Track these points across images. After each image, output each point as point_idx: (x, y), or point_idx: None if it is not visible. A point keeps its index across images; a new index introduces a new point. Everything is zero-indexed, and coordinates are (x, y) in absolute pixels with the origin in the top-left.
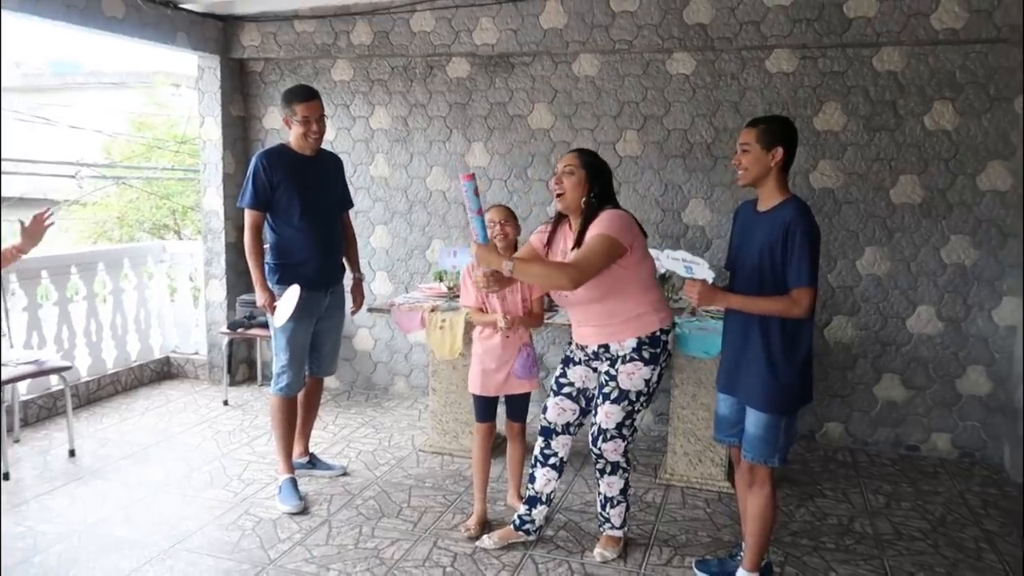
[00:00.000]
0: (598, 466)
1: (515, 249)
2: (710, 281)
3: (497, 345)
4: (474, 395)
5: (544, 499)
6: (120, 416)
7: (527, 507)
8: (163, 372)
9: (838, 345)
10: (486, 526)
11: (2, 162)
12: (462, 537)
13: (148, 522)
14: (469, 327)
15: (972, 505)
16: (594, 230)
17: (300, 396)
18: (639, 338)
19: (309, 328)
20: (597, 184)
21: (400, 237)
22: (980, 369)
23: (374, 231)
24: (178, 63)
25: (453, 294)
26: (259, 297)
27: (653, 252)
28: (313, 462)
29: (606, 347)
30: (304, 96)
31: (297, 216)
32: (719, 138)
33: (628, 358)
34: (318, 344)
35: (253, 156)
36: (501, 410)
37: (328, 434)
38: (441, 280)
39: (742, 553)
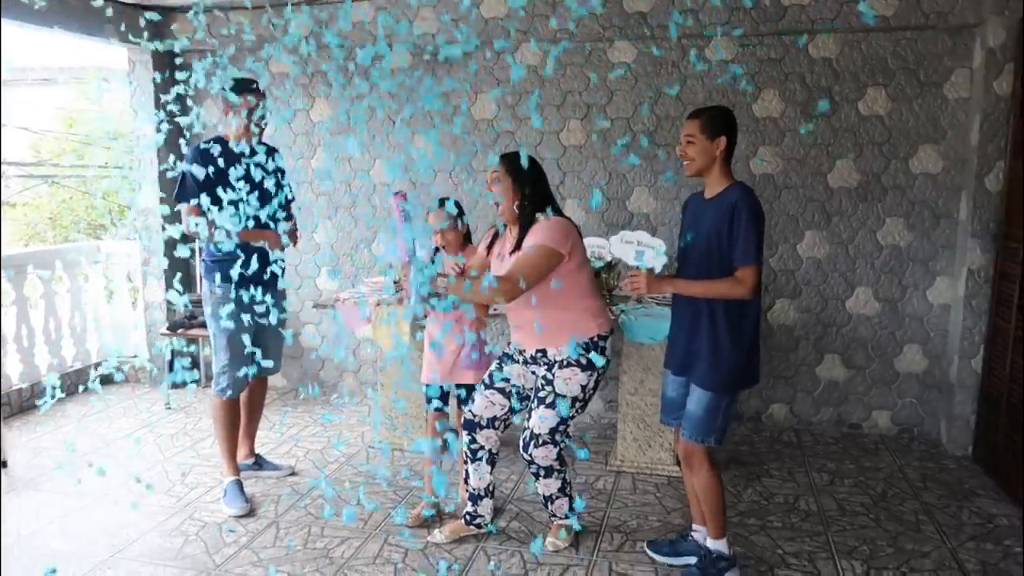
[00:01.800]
0: (531, 470)
1: (463, 242)
2: (658, 269)
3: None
4: (426, 385)
5: (483, 493)
6: (55, 423)
7: (471, 503)
8: (100, 376)
9: (781, 328)
10: (438, 518)
11: None
12: (413, 533)
13: (86, 532)
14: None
15: (911, 479)
16: (531, 239)
17: (243, 397)
18: (576, 343)
19: (248, 328)
20: (526, 188)
21: (344, 231)
22: (916, 347)
23: (318, 226)
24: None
25: (400, 287)
26: (266, 239)
27: (602, 241)
28: (259, 463)
29: (544, 352)
30: (245, 85)
31: (233, 210)
32: (661, 126)
33: (565, 363)
34: (260, 343)
35: (187, 150)
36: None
37: (275, 434)
38: (386, 274)
39: (694, 533)
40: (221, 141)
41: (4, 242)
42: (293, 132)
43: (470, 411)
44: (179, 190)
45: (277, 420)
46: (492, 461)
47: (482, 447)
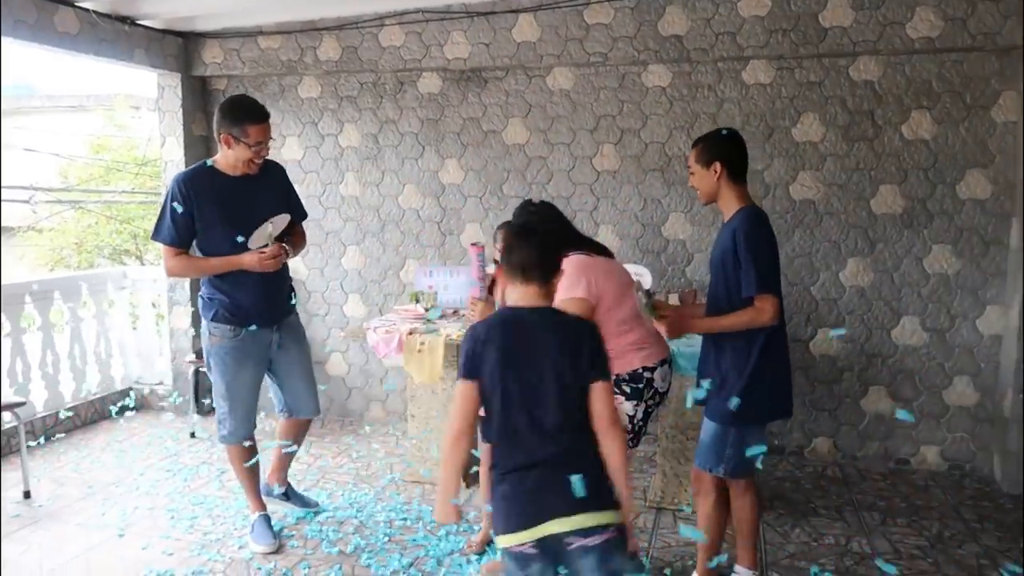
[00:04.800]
0: None
1: None
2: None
3: None
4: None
5: None
6: (79, 453)
7: None
8: (124, 403)
9: (823, 358)
10: (490, 543)
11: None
12: (449, 570)
13: (109, 568)
14: (449, 350)
15: (967, 519)
16: (559, 293)
17: (283, 426)
18: (617, 375)
19: (256, 374)
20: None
21: (373, 257)
22: (967, 379)
23: (346, 252)
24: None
25: (431, 318)
26: (243, 261)
27: (641, 268)
28: (288, 494)
29: None
30: (260, 116)
31: (229, 246)
32: None
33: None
34: (285, 384)
35: (172, 180)
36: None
37: (302, 464)
38: (417, 301)
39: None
40: (211, 170)
41: (30, 267)
42: (322, 157)
43: None
44: (165, 229)
45: (304, 450)
46: None
47: None
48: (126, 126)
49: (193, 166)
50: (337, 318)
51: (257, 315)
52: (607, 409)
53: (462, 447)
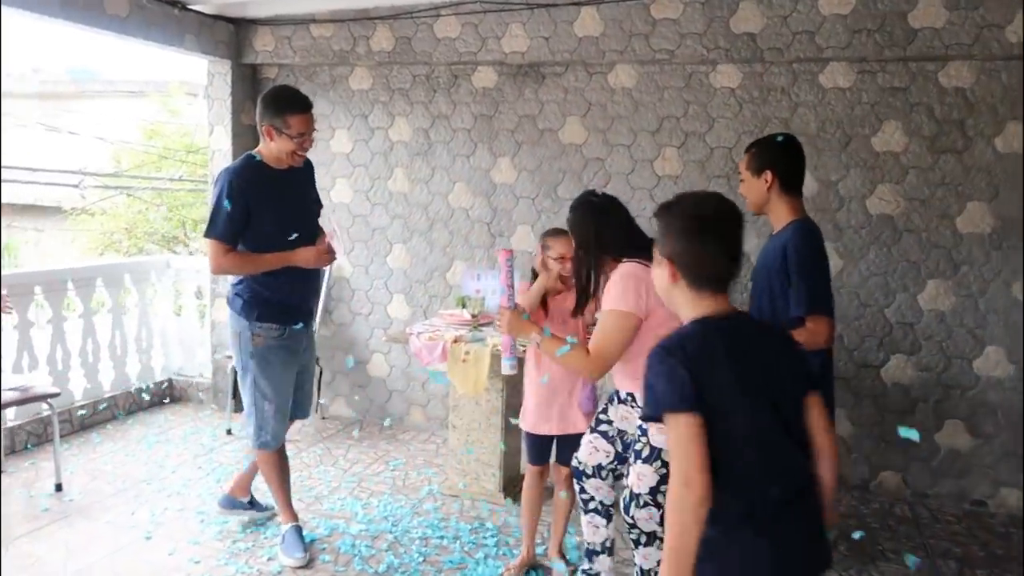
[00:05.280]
0: (631, 535)
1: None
2: None
3: (555, 376)
4: (528, 434)
5: (600, 548)
6: (115, 444)
7: (587, 559)
8: (164, 395)
9: (896, 387)
10: (530, 571)
11: (1, 169)
12: None
13: (135, 573)
14: (496, 360)
15: None
16: (604, 302)
17: None
18: None
19: (295, 370)
20: (596, 252)
21: (419, 257)
22: None
23: (392, 250)
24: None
25: (477, 323)
26: (297, 257)
27: None
28: (252, 502)
29: (633, 395)
30: (301, 106)
31: (279, 242)
32: None
33: None
34: (299, 384)
35: (219, 173)
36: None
37: (338, 470)
38: (464, 307)
39: None
40: (259, 164)
41: (80, 251)
42: (371, 151)
43: (576, 458)
44: (220, 224)
45: (340, 454)
46: (607, 514)
47: (592, 497)
48: (180, 112)
49: (241, 159)
50: (380, 318)
51: (304, 313)
52: (825, 420)
53: (705, 508)
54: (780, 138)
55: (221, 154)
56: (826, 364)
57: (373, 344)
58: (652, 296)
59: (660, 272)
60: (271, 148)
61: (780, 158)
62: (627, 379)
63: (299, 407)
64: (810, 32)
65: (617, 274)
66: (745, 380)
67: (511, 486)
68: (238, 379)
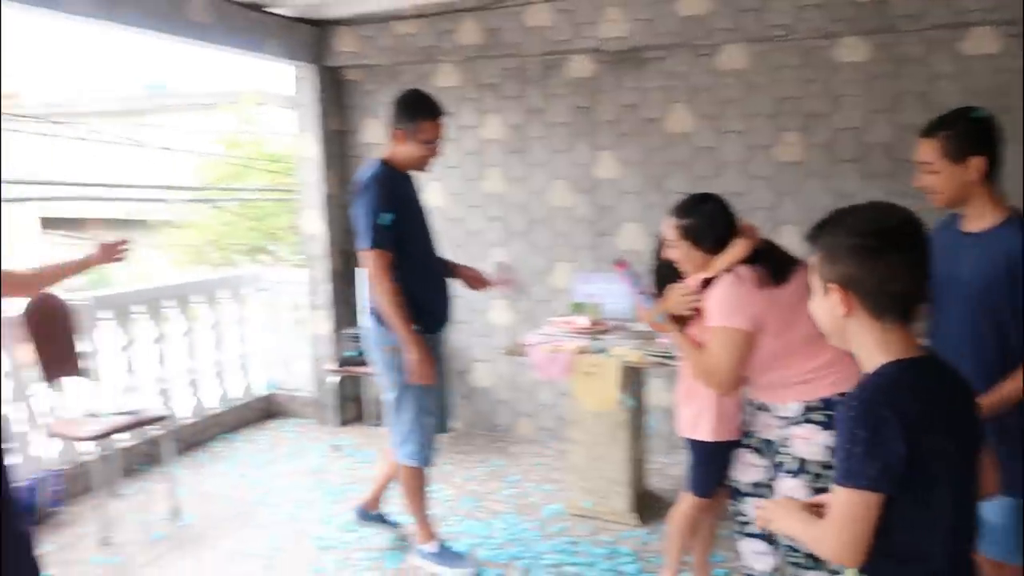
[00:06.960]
0: (791, 559)
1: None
2: None
3: None
4: (702, 451)
5: None
6: (223, 465)
7: None
8: (266, 411)
9: None
10: None
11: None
12: None
13: None
14: (630, 372)
15: None
16: (709, 318)
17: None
18: (805, 403)
19: (440, 381)
20: (708, 240)
21: (520, 261)
22: None
23: (490, 254)
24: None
25: (597, 330)
26: (411, 354)
27: None
28: (381, 516)
29: (765, 407)
30: (434, 112)
31: (420, 247)
32: (902, 138)
33: (798, 421)
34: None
35: (366, 182)
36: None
37: (452, 487)
38: (580, 313)
39: None
40: (395, 170)
41: (171, 265)
42: (462, 152)
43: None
44: (378, 234)
45: (452, 468)
46: (771, 539)
47: (749, 521)
48: (254, 121)
49: (376, 167)
50: (481, 326)
51: (447, 317)
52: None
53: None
54: (981, 114)
55: (310, 161)
56: None
57: (475, 353)
58: (764, 310)
59: (825, 304)
60: (399, 153)
61: (987, 139)
62: (760, 390)
63: (440, 422)
64: None
65: (722, 292)
66: (963, 448)
67: (642, 506)
68: (390, 396)
